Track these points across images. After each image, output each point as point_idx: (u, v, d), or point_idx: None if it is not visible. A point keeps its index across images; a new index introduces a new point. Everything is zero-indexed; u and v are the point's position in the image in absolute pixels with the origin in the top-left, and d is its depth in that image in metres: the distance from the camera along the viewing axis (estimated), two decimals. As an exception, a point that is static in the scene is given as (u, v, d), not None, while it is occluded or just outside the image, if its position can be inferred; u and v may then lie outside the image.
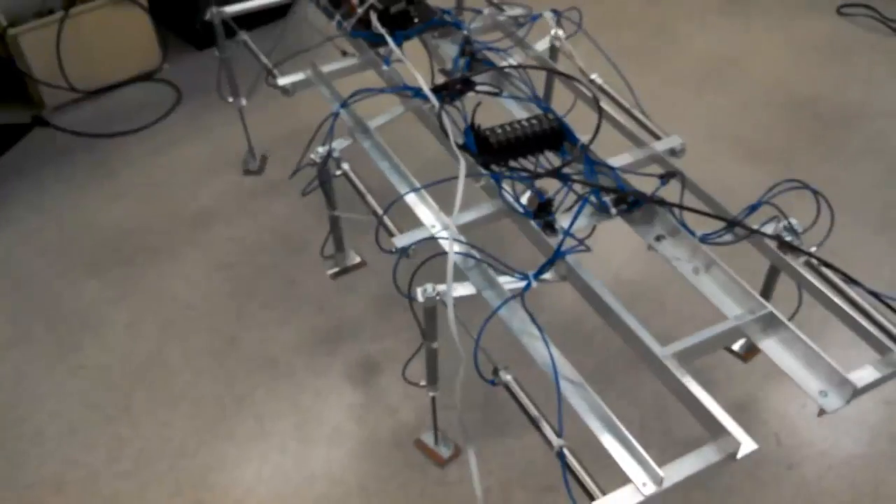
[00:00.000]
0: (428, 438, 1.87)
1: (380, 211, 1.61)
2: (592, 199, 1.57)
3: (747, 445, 1.21)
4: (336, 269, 2.04)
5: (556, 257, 1.45)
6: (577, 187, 1.59)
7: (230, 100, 2.44)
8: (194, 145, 2.79)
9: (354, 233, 2.12)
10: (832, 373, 1.30)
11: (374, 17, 1.99)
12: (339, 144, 1.79)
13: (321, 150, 1.77)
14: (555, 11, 2.04)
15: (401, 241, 1.55)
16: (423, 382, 1.68)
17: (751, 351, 1.98)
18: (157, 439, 1.91)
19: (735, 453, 1.21)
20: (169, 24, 3.21)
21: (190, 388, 2.02)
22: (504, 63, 1.93)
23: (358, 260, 2.05)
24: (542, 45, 1.98)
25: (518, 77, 1.88)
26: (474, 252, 1.47)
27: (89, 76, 2.98)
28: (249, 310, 2.19)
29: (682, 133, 2.58)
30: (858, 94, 2.97)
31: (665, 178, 1.61)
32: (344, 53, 2.12)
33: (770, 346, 1.38)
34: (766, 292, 1.70)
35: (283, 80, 1.97)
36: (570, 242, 1.49)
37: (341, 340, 2.10)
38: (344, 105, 1.82)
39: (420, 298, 1.39)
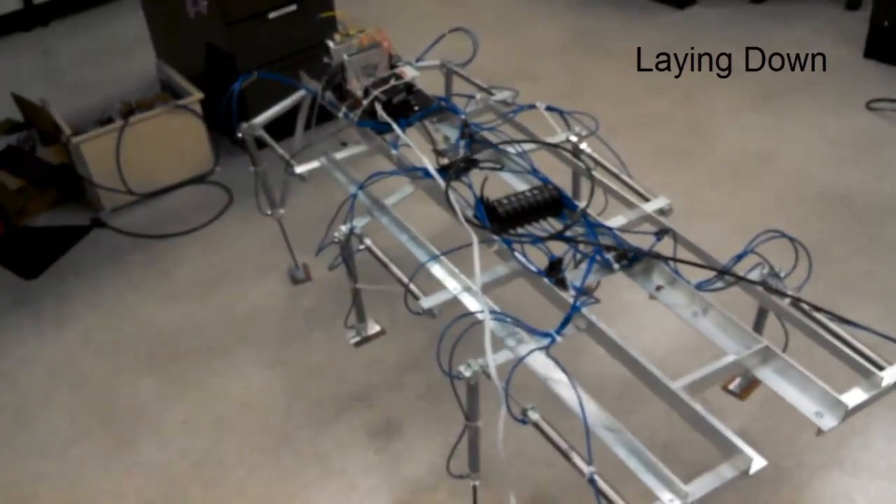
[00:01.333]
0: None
1: (405, 279, 1.77)
2: (597, 256, 1.75)
3: (758, 462, 1.36)
4: (358, 339, 2.18)
5: (574, 311, 1.61)
6: (582, 247, 1.77)
7: (268, 212, 2.60)
8: (245, 245, 2.95)
9: (373, 302, 2.26)
10: (825, 395, 1.46)
11: (379, 108, 2.18)
12: (359, 222, 1.96)
13: (344, 228, 1.94)
14: (552, 108, 2.23)
15: (427, 302, 1.71)
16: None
17: (746, 390, 2.13)
18: (212, 536, 2.01)
19: (748, 469, 1.36)
20: (221, 129, 3.37)
21: (244, 485, 2.12)
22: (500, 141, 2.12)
23: (378, 328, 2.20)
24: (559, 139, 2.17)
25: (516, 153, 2.07)
26: (500, 314, 1.63)
27: (145, 180, 3.18)
28: (300, 406, 2.31)
29: (716, 229, 2.77)
30: (891, 188, 3.04)
31: (659, 234, 1.80)
32: (344, 144, 2.31)
33: (767, 376, 1.54)
34: (758, 329, 1.88)
35: (300, 169, 2.15)
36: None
37: (392, 436, 2.22)
38: (361, 187, 2.00)
39: (466, 374, 1.53)
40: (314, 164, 2.17)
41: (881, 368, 1.54)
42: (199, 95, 3.18)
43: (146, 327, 2.60)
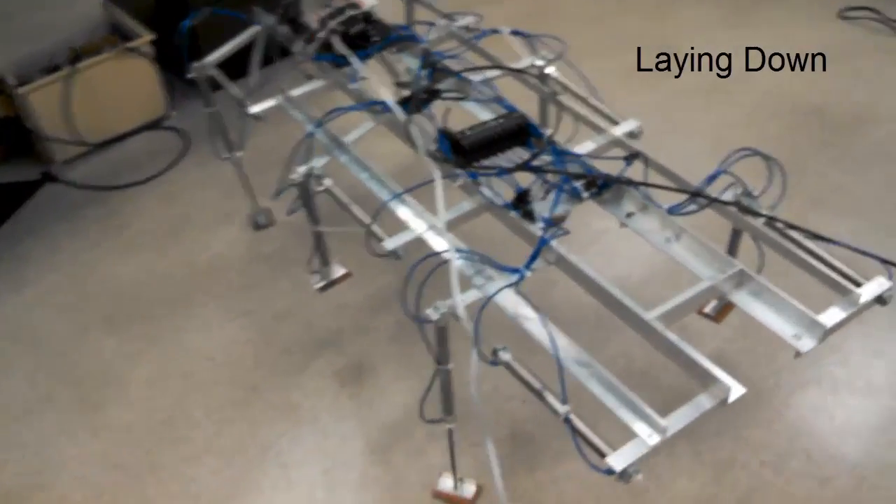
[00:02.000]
0: (446, 483, 1.93)
1: (366, 219, 1.71)
2: (565, 185, 1.69)
3: (736, 390, 1.33)
4: (323, 283, 2.12)
5: (542, 245, 1.56)
6: (550, 177, 1.71)
7: (226, 156, 2.49)
8: (205, 193, 2.85)
9: (338, 245, 2.19)
10: (802, 316, 1.43)
11: (335, 40, 2.09)
12: (317, 162, 1.88)
13: (301, 169, 1.86)
14: (518, 32, 2.13)
15: (391, 243, 1.65)
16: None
17: (721, 312, 2.11)
18: (183, 497, 1.96)
19: (726, 399, 1.32)
20: (175, 71, 3.23)
21: (214, 442, 2.08)
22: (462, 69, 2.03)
23: (343, 272, 2.14)
24: (524, 64, 2.09)
25: (479, 81, 1.99)
26: (467, 252, 1.57)
27: (97, 128, 3.05)
28: (268, 356, 2.26)
29: (689, 145, 2.72)
30: (865, 98, 3.01)
31: (629, 158, 1.73)
32: (309, 77, 2.21)
33: (743, 300, 1.50)
34: (732, 251, 1.83)
35: (255, 109, 2.06)
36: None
37: (364, 381, 2.18)
38: (318, 125, 1.92)
39: (434, 317, 1.48)
40: (270, 103, 2.08)
41: (858, 285, 1.51)
42: (149, 36, 3.04)
43: (106, 284, 2.53)
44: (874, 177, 2.67)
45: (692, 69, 3.26)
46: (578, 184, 1.69)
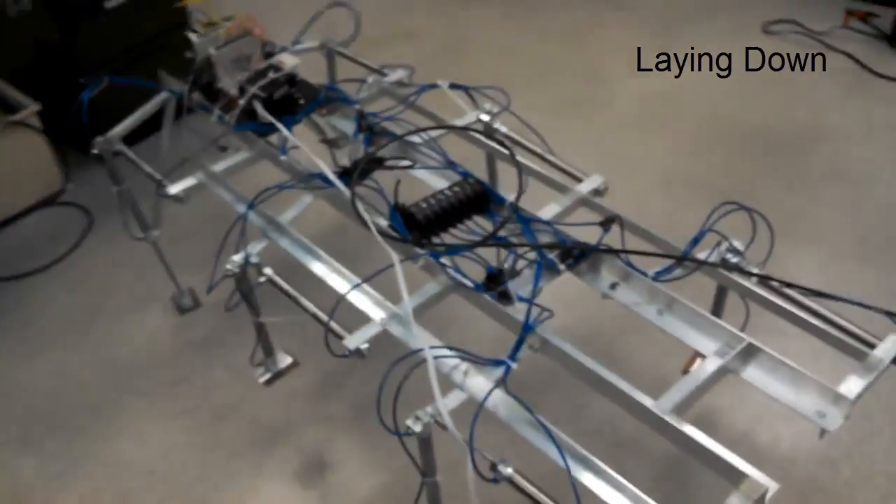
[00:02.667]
0: None
1: (323, 316, 1.50)
2: (538, 258, 1.53)
3: (772, 486, 1.18)
4: (269, 376, 1.90)
5: (526, 332, 1.38)
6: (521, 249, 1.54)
7: (140, 236, 2.20)
8: (117, 275, 2.54)
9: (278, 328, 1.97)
10: (824, 391, 1.30)
11: (258, 106, 1.88)
12: (253, 248, 1.67)
13: (236, 258, 1.65)
14: (457, 86, 1.98)
15: (353, 341, 1.45)
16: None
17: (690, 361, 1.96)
18: None
19: (763, 498, 1.18)
20: (67, 139, 2.90)
21: None
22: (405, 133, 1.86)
23: (289, 361, 1.92)
24: (469, 120, 1.93)
25: (424, 143, 1.82)
26: (442, 347, 1.39)
27: None
28: (215, 461, 2.00)
29: (638, 183, 2.57)
30: (805, 116, 2.94)
31: (606, 224, 1.58)
32: (223, 149, 2.00)
33: (754, 376, 1.36)
34: (718, 310, 1.70)
35: (174, 189, 1.83)
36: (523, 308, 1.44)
37: (328, 479, 1.95)
38: (251, 206, 1.71)
39: (417, 429, 1.29)
40: (190, 182, 1.85)
41: (870, 345, 1.39)
42: (34, 107, 2.74)
43: (14, 394, 2.21)
44: (830, 199, 2.60)
45: (623, 97, 3.15)
46: (553, 255, 1.53)
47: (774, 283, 1.51)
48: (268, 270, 1.63)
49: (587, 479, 1.23)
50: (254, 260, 1.64)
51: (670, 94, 3.13)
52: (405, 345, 1.43)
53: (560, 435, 1.26)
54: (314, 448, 2.02)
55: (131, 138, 2.05)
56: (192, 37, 1.95)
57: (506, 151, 1.75)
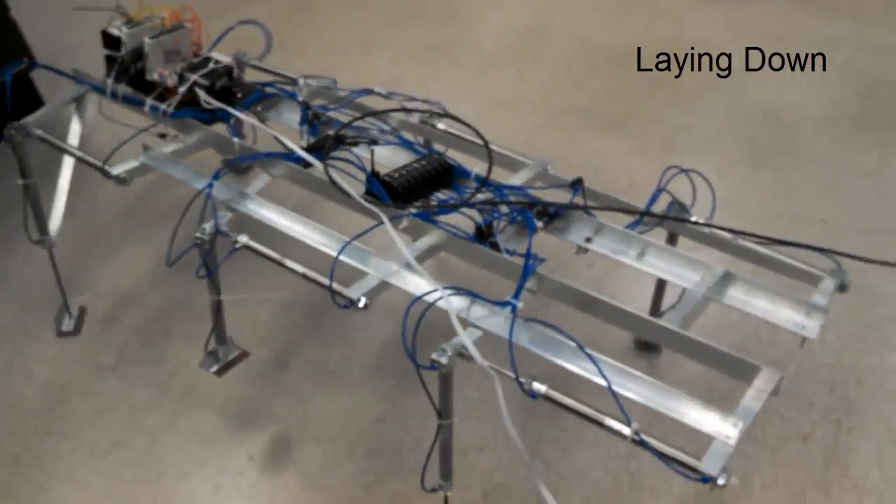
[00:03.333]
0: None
1: (322, 279, 1.46)
2: (518, 217, 1.60)
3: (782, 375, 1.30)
4: (218, 366, 1.80)
5: (527, 272, 1.44)
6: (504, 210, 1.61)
7: (38, 238, 2.02)
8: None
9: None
10: (798, 305, 1.45)
11: (202, 94, 1.85)
12: (222, 218, 1.61)
13: (207, 226, 1.59)
14: (395, 93, 2.02)
15: (355, 291, 1.44)
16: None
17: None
18: None
19: (778, 387, 1.29)
20: None
21: None
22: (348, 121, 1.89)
23: (239, 351, 1.83)
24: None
25: (380, 128, 1.86)
26: (456, 288, 1.42)
27: None
28: (165, 487, 1.79)
29: (525, 120, 2.63)
30: (669, 31, 3.03)
31: (574, 185, 1.70)
32: (163, 136, 1.93)
33: (736, 300, 1.50)
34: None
35: (117, 170, 1.74)
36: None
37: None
38: (217, 177, 1.66)
39: (442, 360, 1.30)
40: (133, 164, 1.76)
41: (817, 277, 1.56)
42: None
43: None
44: (709, 109, 2.73)
45: (489, 35, 3.18)
46: (531, 213, 1.61)
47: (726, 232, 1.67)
48: (243, 237, 1.58)
49: (627, 386, 1.29)
50: (224, 228, 1.59)
51: (533, 26, 3.18)
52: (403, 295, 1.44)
53: (587, 350, 1.31)
54: (264, 453, 1.88)
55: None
56: (117, 31, 1.91)
57: (467, 137, 1.83)
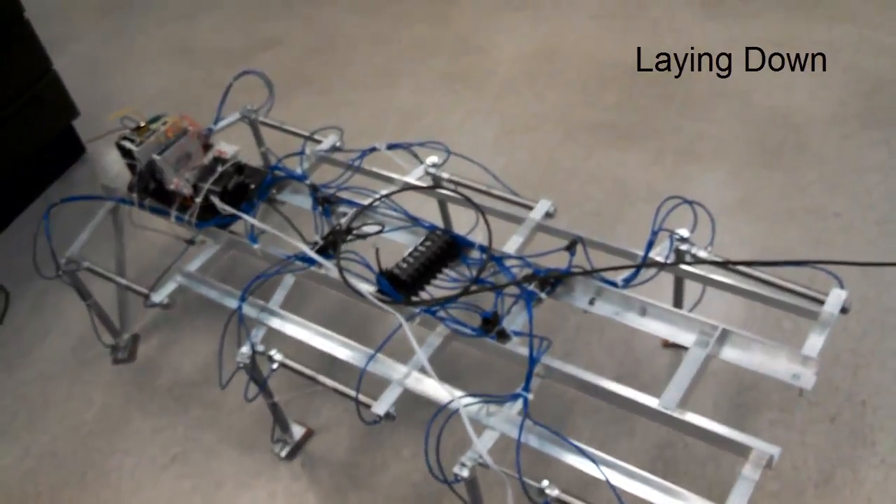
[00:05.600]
0: None
1: (350, 392, 1.63)
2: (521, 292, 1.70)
3: (776, 451, 1.40)
4: (288, 449, 2.02)
5: (533, 364, 1.56)
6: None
7: (112, 342, 2.29)
8: (54, 342, 2.51)
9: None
10: (793, 355, 1.52)
11: (216, 201, 1.98)
12: (255, 337, 1.78)
13: (244, 350, 1.76)
14: (395, 146, 2.11)
15: (380, 407, 1.60)
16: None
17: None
18: None
19: (770, 462, 1.40)
20: None
21: None
22: (362, 197, 1.99)
23: (304, 430, 2.05)
24: (416, 174, 2.06)
25: (386, 206, 1.95)
26: (469, 395, 1.55)
27: None
28: (225, 498, 2.01)
29: (544, 139, 2.81)
30: (673, 42, 3.15)
31: (571, 248, 1.77)
32: (190, 242, 2.09)
33: (731, 355, 1.58)
34: (679, 297, 1.93)
35: (157, 297, 1.92)
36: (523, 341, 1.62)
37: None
38: (244, 298, 1.81)
39: (464, 474, 1.45)
40: (172, 286, 1.94)
41: (820, 302, 1.62)
42: None
43: None
44: (721, 115, 2.82)
45: (503, 62, 3.31)
46: (532, 286, 1.71)
47: (729, 264, 1.73)
48: (278, 356, 1.75)
49: (622, 483, 1.42)
50: (260, 348, 1.76)
51: (544, 49, 3.33)
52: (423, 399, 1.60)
53: (588, 449, 1.45)
54: (314, 460, 2.07)
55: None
56: (130, 146, 2.02)
57: (459, 198, 1.91)
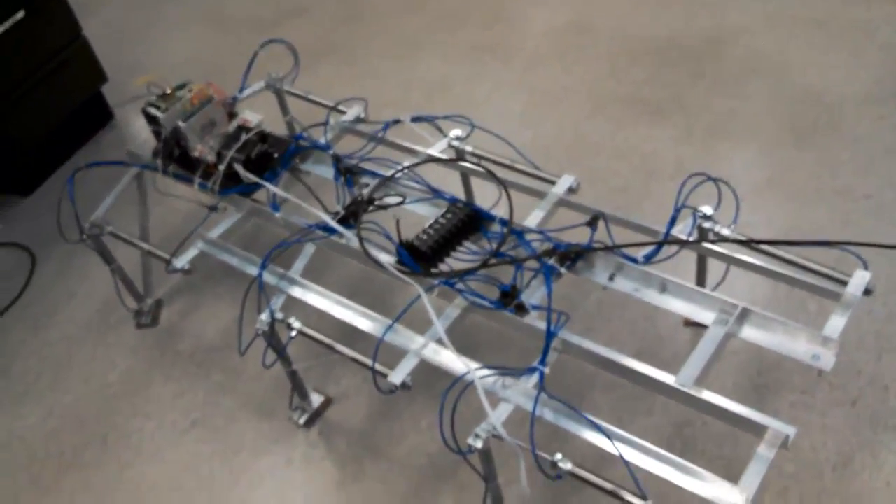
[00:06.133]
0: None
1: (367, 361, 1.64)
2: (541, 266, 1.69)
3: (792, 431, 1.39)
4: (307, 417, 2.04)
5: (550, 338, 1.56)
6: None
7: (135, 307, 2.35)
8: (80, 305, 2.55)
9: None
10: (813, 336, 1.51)
11: (240, 169, 1.98)
12: (275, 304, 1.79)
13: (263, 317, 1.77)
14: (419, 118, 2.10)
15: (397, 376, 1.60)
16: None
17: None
18: None
19: (786, 442, 1.38)
20: None
21: None
22: (384, 168, 1.98)
23: (322, 399, 2.06)
24: (439, 147, 2.06)
25: (408, 177, 1.95)
26: (484, 368, 1.55)
27: None
28: (243, 462, 2.04)
29: (572, 112, 2.80)
30: (709, 20, 3.11)
31: (592, 224, 1.76)
32: (212, 209, 2.10)
33: (750, 335, 1.57)
34: (702, 275, 1.91)
35: (179, 262, 1.94)
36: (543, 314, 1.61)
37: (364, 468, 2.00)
38: (264, 266, 1.82)
39: (478, 445, 1.45)
40: (193, 252, 1.96)
41: (844, 283, 1.59)
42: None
43: (13, 445, 2.21)
44: (753, 92, 2.78)
45: (533, 34, 3.29)
46: (552, 260, 1.70)
47: (749, 243, 1.71)
48: (296, 323, 1.76)
49: (637, 459, 1.42)
50: (279, 316, 1.77)
51: (576, 22, 3.29)
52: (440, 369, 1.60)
53: (603, 424, 1.45)
54: (332, 428, 2.08)
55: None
56: (156, 113, 2.03)
57: (482, 171, 1.90)
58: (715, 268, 1.85)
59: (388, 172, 1.95)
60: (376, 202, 1.89)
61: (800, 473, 1.79)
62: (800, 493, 1.76)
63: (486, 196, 1.95)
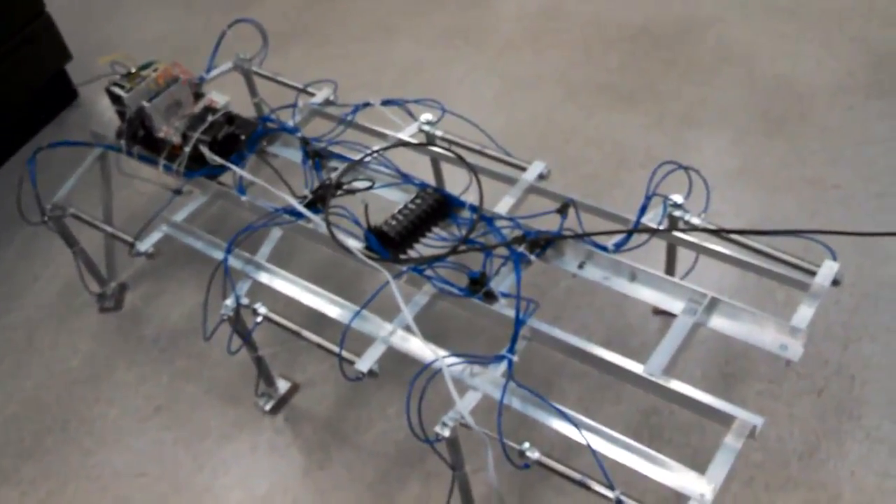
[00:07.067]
0: None
1: (333, 348, 1.62)
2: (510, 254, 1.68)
3: (759, 421, 1.39)
4: (273, 403, 2.01)
5: (519, 326, 1.54)
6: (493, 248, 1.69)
7: (98, 291, 2.29)
8: (42, 287, 2.50)
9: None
10: (781, 326, 1.50)
11: (206, 151, 1.95)
12: (240, 290, 1.76)
13: (228, 302, 1.74)
14: (389, 101, 2.07)
15: (364, 363, 1.58)
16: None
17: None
18: None
19: (753, 432, 1.38)
20: None
21: None
22: (353, 152, 1.96)
23: (289, 385, 2.04)
24: (410, 131, 2.03)
25: (377, 162, 1.92)
26: (452, 355, 1.54)
27: None
28: (207, 449, 2.01)
29: (544, 98, 2.78)
30: (682, 7, 3.11)
31: (562, 211, 1.74)
32: (177, 192, 2.06)
33: (719, 324, 1.57)
34: (671, 262, 1.90)
35: (143, 246, 1.90)
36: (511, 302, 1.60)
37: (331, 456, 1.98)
38: (229, 250, 1.79)
39: (446, 434, 1.44)
40: (157, 236, 1.91)
41: (812, 273, 1.59)
42: None
43: None
44: (724, 81, 2.78)
45: (507, 18, 3.27)
46: (521, 248, 1.68)
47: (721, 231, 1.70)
48: (262, 309, 1.73)
49: (605, 448, 1.41)
50: (244, 301, 1.74)
51: (551, 8, 3.27)
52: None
53: (571, 413, 1.44)
54: (299, 415, 2.06)
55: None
56: (120, 92, 1.99)
57: (452, 156, 1.87)
58: (685, 256, 1.85)
59: (358, 156, 1.92)
60: (345, 187, 1.86)
61: (766, 462, 1.80)
62: (766, 482, 1.77)
63: (456, 182, 1.93)
